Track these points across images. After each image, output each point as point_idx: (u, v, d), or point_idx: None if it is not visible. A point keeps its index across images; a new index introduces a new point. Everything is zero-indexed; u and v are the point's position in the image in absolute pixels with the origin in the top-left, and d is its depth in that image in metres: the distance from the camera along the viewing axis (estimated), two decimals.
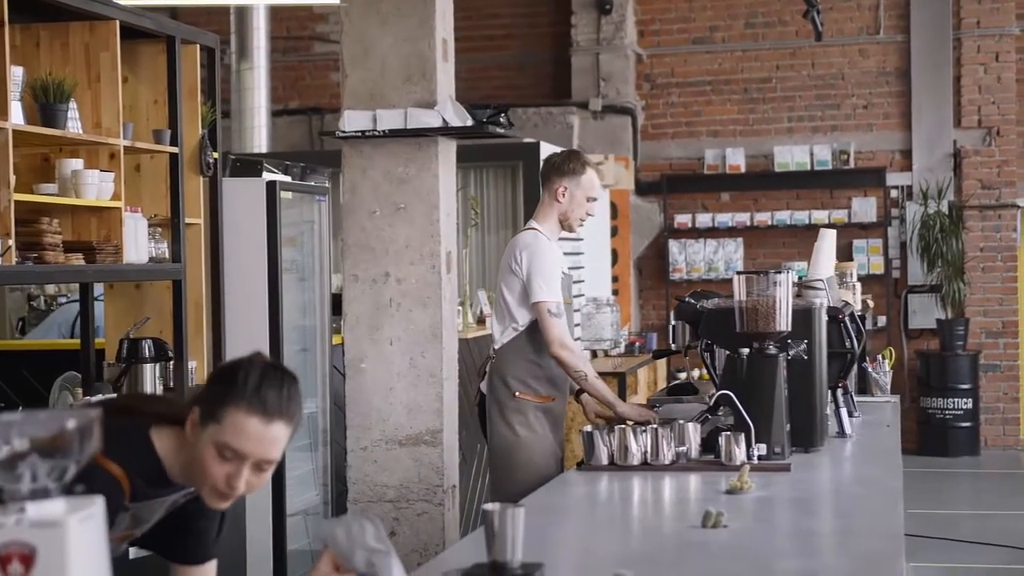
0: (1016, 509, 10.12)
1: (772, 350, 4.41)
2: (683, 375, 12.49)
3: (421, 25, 5.85)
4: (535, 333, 5.22)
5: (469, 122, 5.86)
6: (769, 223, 12.80)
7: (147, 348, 5.42)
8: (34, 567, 1.71)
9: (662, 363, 11.00)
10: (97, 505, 1.78)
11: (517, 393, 5.23)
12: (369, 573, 2.43)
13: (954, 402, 12.27)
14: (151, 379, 5.43)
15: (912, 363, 12.69)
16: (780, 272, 4.42)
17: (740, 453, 4.18)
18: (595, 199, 5.39)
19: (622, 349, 10.44)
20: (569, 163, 5.36)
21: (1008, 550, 8.45)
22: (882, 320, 12.60)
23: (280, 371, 2.67)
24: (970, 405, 12.29)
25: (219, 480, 2.59)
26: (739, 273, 4.46)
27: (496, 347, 5.35)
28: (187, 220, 5.73)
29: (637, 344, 10.76)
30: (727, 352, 4.54)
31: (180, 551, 2.91)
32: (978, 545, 8.61)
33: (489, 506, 2.72)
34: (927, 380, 12.39)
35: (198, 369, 5.83)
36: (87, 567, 1.74)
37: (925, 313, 12.63)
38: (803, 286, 5.12)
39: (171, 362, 5.58)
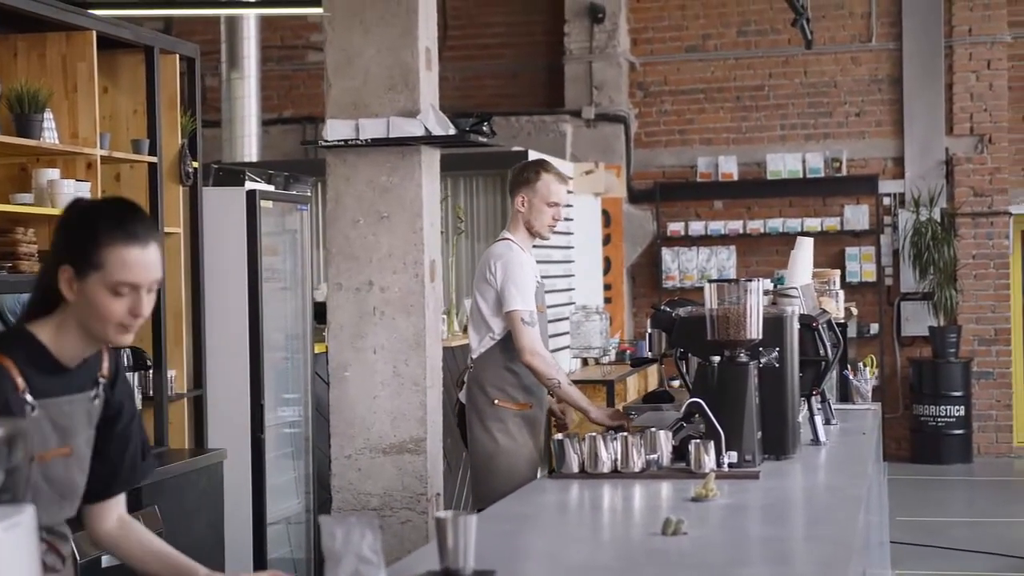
0: (1009, 516, 10.12)
1: (743, 358, 4.41)
2: (676, 383, 12.49)
3: (404, 34, 5.86)
4: (511, 342, 5.25)
5: (451, 131, 5.88)
6: (762, 231, 12.82)
7: (126, 357, 5.43)
8: None
9: (653, 371, 11.00)
10: (26, 514, 1.80)
11: (496, 401, 5.28)
12: None
13: (947, 409, 12.27)
14: None
15: (905, 370, 12.70)
16: (751, 280, 4.43)
17: (709, 461, 4.19)
18: (556, 204, 5.39)
19: (612, 357, 10.44)
20: (524, 172, 5.42)
21: (1000, 558, 8.45)
22: (875, 327, 12.60)
23: (124, 202, 2.76)
24: (963, 412, 12.29)
25: (121, 316, 2.66)
26: (711, 281, 4.48)
27: (474, 356, 5.41)
28: (167, 229, 5.74)
29: (628, 352, 10.75)
30: (699, 360, 4.55)
31: (103, 476, 2.86)
32: (969, 553, 8.61)
33: (441, 514, 2.75)
34: (920, 387, 12.39)
35: (177, 378, 5.84)
36: (15, 573, 1.75)
37: (918, 320, 12.63)
38: (778, 294, 5.12)
39: (150, 371, 5.59)
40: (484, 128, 6.21)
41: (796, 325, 4.69)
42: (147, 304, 2.68)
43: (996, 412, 12.65)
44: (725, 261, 12.89)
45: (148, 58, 5.63)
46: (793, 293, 5.07)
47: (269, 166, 9.23)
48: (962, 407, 12.27)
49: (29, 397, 2.62)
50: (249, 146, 10.60)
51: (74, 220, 2.71)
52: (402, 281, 5.86)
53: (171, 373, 5.76)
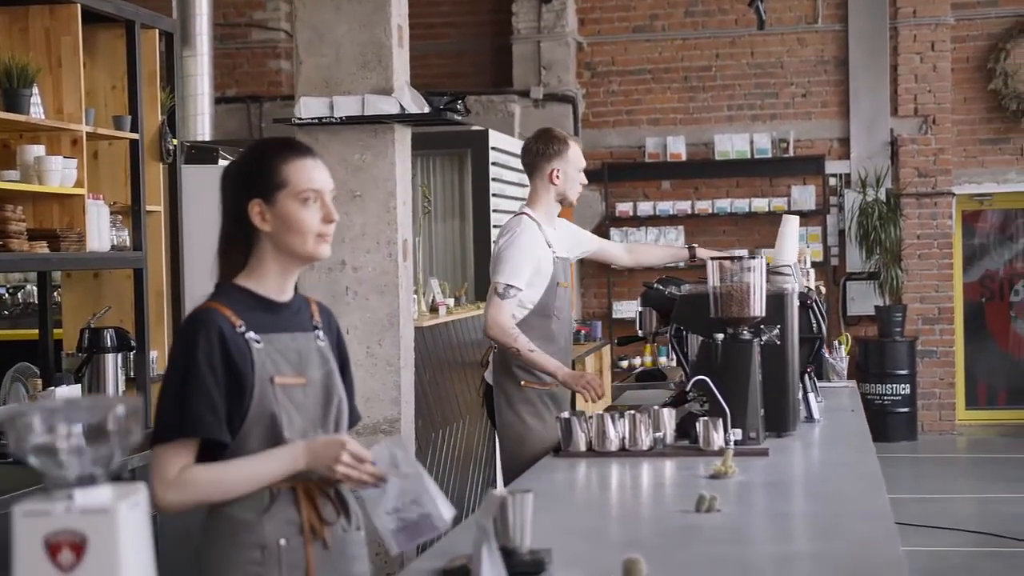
0: (954, 492, 10.27)
1: (746, 335, 4.42)
2: (625, 363, 12.55)
3: (376, 11, 5.82)
4: (536, 320, 5.18)
5: (426, 109, 5.84)
6: (710, 211, 12.87)
7: (109, 338, 5.34)
8: (85, 555, 1.68)
9: (607, 351, 11.05)
10: (141, 492, 1.75)
11: (523, 383, 5.21)
12: (404, 514, 2.69)
13: (892, 388, 12.42)
14: (113, 369, 5.34)
15: (851, 349, 12.81)
16: (754, 258, 4.44)
17: (719, 438, 4.20)
18: (584, 166, 5.41)
19: None
20: (553, 145, 5.33)
21: (947, 532, 8.58)
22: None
23: (279, 137, 3.16)
24: (908, 391, 12.45)
25: (315, 224, 2.86)
26: (713, 259, 4.48)
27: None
28: (148, 207, 5.65)
29: (583, 332, 10.78)
30: (701, 338, 4.55)
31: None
32: (917, 527, 8.72)
33: (499, 492, 2.71)
34: (866, 366, 12.53)
35: (159, 359, 5.75)
36: (137, 553, 1.72)
37: (863, 300, 12.76)
38: (771, 272, 5.14)
39: (133, 352, 5.50)
40: (458, 106, 6.18)
41: (796, 302, 4.71)
42: (334, 211, 2.89)
43: (940, 390, 12.83)
44: (674, 241, 12.93)
45: (129, 33, 5.52)
46: (787, 271, 5.09)
47: (222, 144, 9.10)
48: (907, 385, 12.43)
49: (251, 334, 2.81)
50: (202, 124, 10.44)
51: (246, 163, 2.93)
52: (375, 260, 5.82)
53: (153, 354, 5.66)
